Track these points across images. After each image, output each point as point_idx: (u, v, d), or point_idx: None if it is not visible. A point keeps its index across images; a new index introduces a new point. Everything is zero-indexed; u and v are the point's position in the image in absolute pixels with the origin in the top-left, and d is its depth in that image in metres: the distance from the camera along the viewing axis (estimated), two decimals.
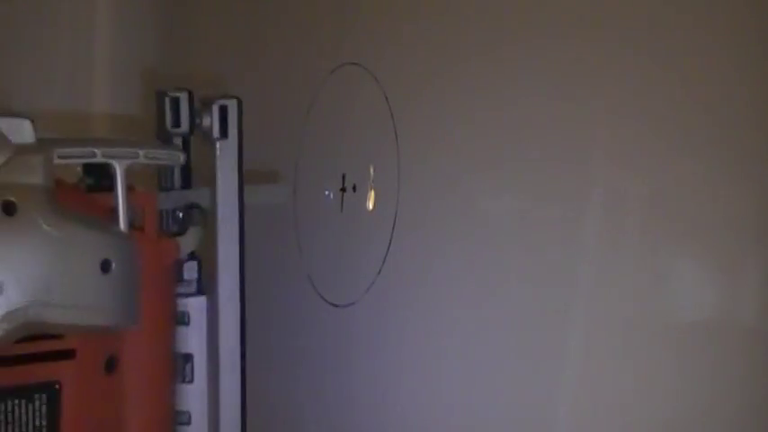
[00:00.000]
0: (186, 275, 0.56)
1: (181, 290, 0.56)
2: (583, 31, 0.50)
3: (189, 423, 0.56)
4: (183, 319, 0.56)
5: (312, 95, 0.66)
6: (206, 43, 0.84)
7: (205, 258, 0.58)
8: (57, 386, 0.49)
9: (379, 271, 0.61)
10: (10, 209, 0.46)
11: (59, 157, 0.48)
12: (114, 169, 0.49)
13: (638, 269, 0.47)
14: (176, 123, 0.56)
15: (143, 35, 0.91)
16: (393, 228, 0.60)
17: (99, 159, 0.50)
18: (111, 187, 0.50)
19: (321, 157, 0.66)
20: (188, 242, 0.56)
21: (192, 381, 0.56)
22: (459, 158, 0.57)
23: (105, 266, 0.48)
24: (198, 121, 0.55)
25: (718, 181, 0.44)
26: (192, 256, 0.57)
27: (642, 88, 0.47)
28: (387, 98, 0.61)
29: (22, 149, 0.47)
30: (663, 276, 0.46)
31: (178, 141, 0.57)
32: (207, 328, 0.56)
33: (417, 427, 0.59)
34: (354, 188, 0.63)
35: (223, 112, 0.55)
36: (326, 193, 0.65)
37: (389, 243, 0.60)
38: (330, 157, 0.66)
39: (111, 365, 0.51)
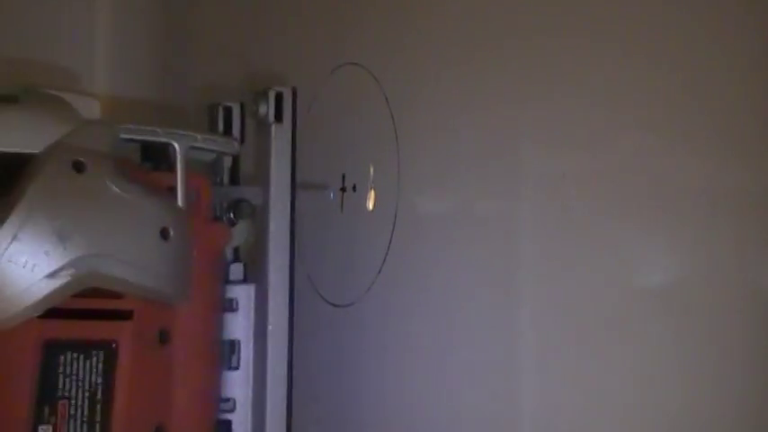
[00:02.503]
0: (232, 276, 0.58)
1: (230, 277, 0.58)
2: (583, 31, 0.50)
3: (233, 410, 0.57)
4: (231, 306, 0.58)
5: (312, 95, 0.66)
6: (206, 43, 0.84)
7: (252, 251, 0.59)
8: (114, 345, 0.50)
9: (379, 271, 0.61)
10: (80, 167, 0.49)
11: (125, 131, 0.52)
12: (174, 149, 0.53)
13: (640, 269, 0.47)
14: (227, 132, 0.60)
15: (145, 27, 0.91)
16: (393, 228, 0.60)
17: (161, 138, 0.53)
18: (169, 169, 0.53)
19: (321, 157, 0.66)
20: (237, 234, 0.57)
21: (237, 367, 0.58)
22: (459, 158, 0.57)
23: (164, 234, 0.51)
24: (254, 109, 0.58)
25: (719, 180, 0.44)
26: (236, 257, 0.59)
27: (643, 89, 0.47)
28: (387, 98, 0.61)
29: (90, 122, 0.51)
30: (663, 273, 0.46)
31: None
32: (254, 316, 0.58)
33: (417, 426, 0.59)
34: (354, 188, 0.63)
35: (279, 98, 0.58)
36: (327, 193, 0.65)
37: (389, 243, 0.60)
38: (330, 157, 0.66)
39: (164, 337, 0.52)
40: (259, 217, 0.58)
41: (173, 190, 0.53)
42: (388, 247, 0.60)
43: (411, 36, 0.60)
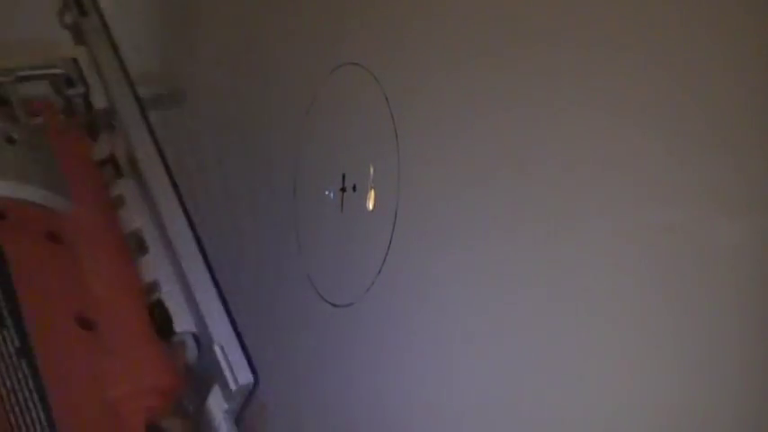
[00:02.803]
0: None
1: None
2: (583, 31, 0.50)
3: (161, 290, 0.59)
4: (119, 202, 0.61)
5: (312, 95, 0.66)
6: (205, 41, 0.84)
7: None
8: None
9: (379, 271, 0.61)
10: None
11: None
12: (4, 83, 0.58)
13: (641, 269, 0.47)
14: None
15: (140, 25, 0.91)
16: (393, 228, 0.60)
17: None
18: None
19: (321, 157, 0.66)
20: (103, 144, 0.62)
21: (147, 251, 0.60)
22: (459, 158, 0.57)
23: (10, 140, 0.55)
24: (64, 22, 0.60)
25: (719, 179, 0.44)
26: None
27: (643, 89, 0.47)
28: (387, 98, 0.61)
29: None
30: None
31: None
32: (148, 207, 0.61)
33: (417, 426, 0.59)
34: (354, 188, 0.63)
35: None
36: (326, 192, 0.65)
37: (389, 243, 0.60)
38: (330, 157, 0.66)
39: (54, 238, 0.54)
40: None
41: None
42: (388, 247, 0.60)
43: (411, 36, 0.60)
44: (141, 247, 0.59)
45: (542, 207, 0.52)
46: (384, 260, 0.60)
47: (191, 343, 0.58)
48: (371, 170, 0.62)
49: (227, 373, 0.57)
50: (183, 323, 0.58)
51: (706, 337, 0.45)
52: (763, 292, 0.44)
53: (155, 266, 0.59)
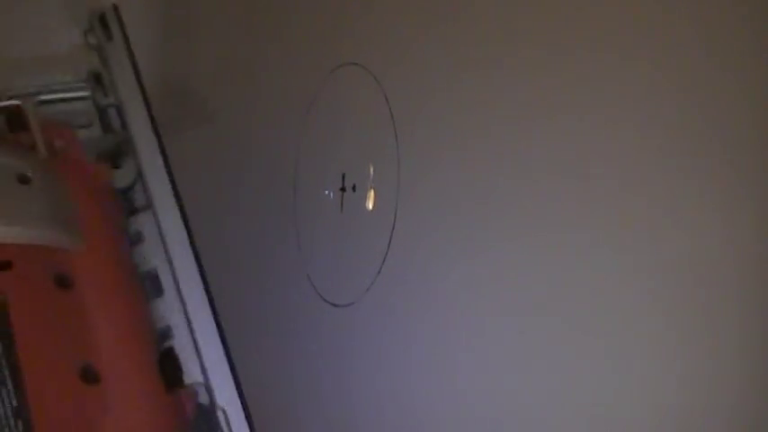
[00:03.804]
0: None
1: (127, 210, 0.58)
2: (583, 31, 0.50)
3: (173, 336, 0.56)
4: (137, 238, 0.57)
5: (312, 95, 0.66)
6: (205, 41, 0.84)
7: None
8: (2, 297, 0.49)
9: (379, 271, 0.61)
10: None
11: None
12: (23, 108, 0.53)
13: (640, 270, 0.47)
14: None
15: (140, 25, 0.91)
16: (393, 228, 0.60)
17: (5, 103, 0.54)
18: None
19: (321, 157, 0.66)
20: (123, 175, 0.57)
21: (162, 294, 0.56)
22: (458, 158, 0.57)
23: (23, 179, 0.51)
24: (89, 44, 0.58)
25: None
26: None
27: (645, 93, 0.47)
28: (387, 98, 0.61)
29: None
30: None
31: None
32: (164, 243, 0.57)
33: (417, 426, 0.59)
34: (354, 188, 0.63)
35: (102, 20, 0.58)
36: (326, 192, 0.65)
37: (389, 243, 0.60)
38: (330, 157, 0.66)
39: (62, 281, 0.51)
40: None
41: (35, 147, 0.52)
42: (388, 247, 0.60)
43: (411, 35, 0.61)
44: (156, 289, 0.55)
45: (542, 207, 0.52)
46: (384, 260, 0.60)
47: (198, 395, 0.55)
48: (371, 170, 0.62)
49: None
50: (192, 375, 0.55)
51: (706, 338, 0.45)
52: (763, 294, 0.44)
53: (169, 311, 0.55)
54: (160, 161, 0.55)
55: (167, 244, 0.55)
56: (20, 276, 0.49)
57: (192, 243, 0.55)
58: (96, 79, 0.58)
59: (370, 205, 0.62)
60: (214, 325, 0.55)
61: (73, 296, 0.51)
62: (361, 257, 0.62)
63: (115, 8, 0.56)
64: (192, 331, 0.54)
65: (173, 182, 0.55)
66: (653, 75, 0.46)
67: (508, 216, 0.54)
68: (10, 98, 0.53)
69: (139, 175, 0.55)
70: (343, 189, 0.64)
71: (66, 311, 0.51)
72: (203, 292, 0.55)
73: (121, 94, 0.55)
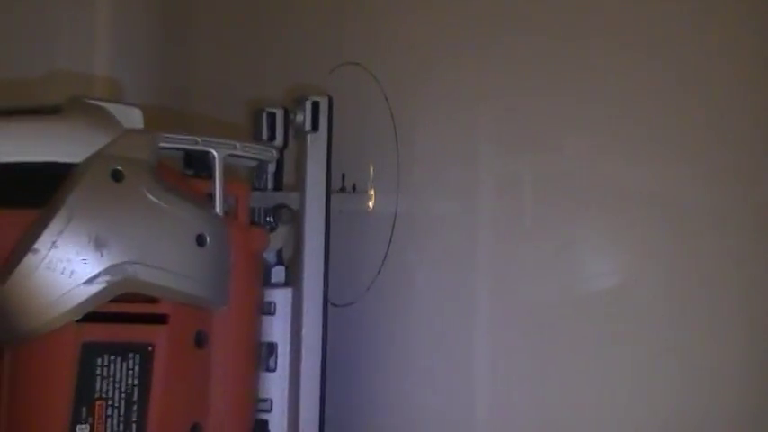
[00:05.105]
0: (274, 279, 0.59)
1: (272, 280, 0.59)
2: (584, 31, 0.50)
3: (270, 410, 0.58)
4: (269, 309, 0.58)
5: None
6: (205, 41, 0.84)
7: (290, 253, 0.60)
8: (150, 348, 0.51)
9: (379, 271, 0.61)
10: (118, 176, 0.51)
11: (164, 140, 0.53)
12: (213, 157, 0.54)
13: (636, 269, 0.47)
14: (272, 137, 0.60)
15: (145, 29, 0.91)
16: (393, 227, 0.60)
17: (200, 147, 0.54)
18: (209, 176, 0.54)
19: None
20: (277, 238, 0.58)
21: (275, 369, 0.58)
22: (458, 158, 0.57)
23: (200, 240, 0.52)
24: (291, 117, 0.58)
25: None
26: (279, 260, 0.59)
27: (643, 89, 0.47)
28: (387, 98, 0.61)
29: (131, 131, 0.52)
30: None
31: None
32: (292, 320, 0.58)
33: (417, 425, 0.59)
34: (354, 188, 0.63)
35: (315, 107, 0.59)
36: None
37: (389, 243, 0.60)
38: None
39: (201, 340, 0.53)
40: (298, 219, 0.59)
41: (212, 197, 0.54)
42: (388, 246, 0.60)
43: (411, 36, 0.61)
44: (270, 362, 0.57)
45: (541, 207, 0.52)
46: (384, 260, 0.61)
47: None
48: (371, 170, 0.62)
49: None
50: None
51: (708, 340, 0.45)
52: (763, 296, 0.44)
53: (276, 386, 0.57)
54: (322, 246, 0.57)
55: (303, 321, 0.57)
56: (171, 332, 0.51)
57: (325, 325, 0.57)
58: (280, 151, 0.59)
59: (370, 205, 0.62)
60: (319, 407, 0.57)
61: (205, 356, 0.53)
62: (362, 257, 0.62)
63: (330, 101, 0.57)
64: (295, 408, 0.57)
65: (327, 263, 0.57)
66: None
67: (508, 216, 0.54)
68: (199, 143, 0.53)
69: (297, 249, 0.57)
70: (343, 189, 0.64)
71: (197, 370, 0.53)
72: (320, 373, 0.58)
73: (308, 178, 0.57)
